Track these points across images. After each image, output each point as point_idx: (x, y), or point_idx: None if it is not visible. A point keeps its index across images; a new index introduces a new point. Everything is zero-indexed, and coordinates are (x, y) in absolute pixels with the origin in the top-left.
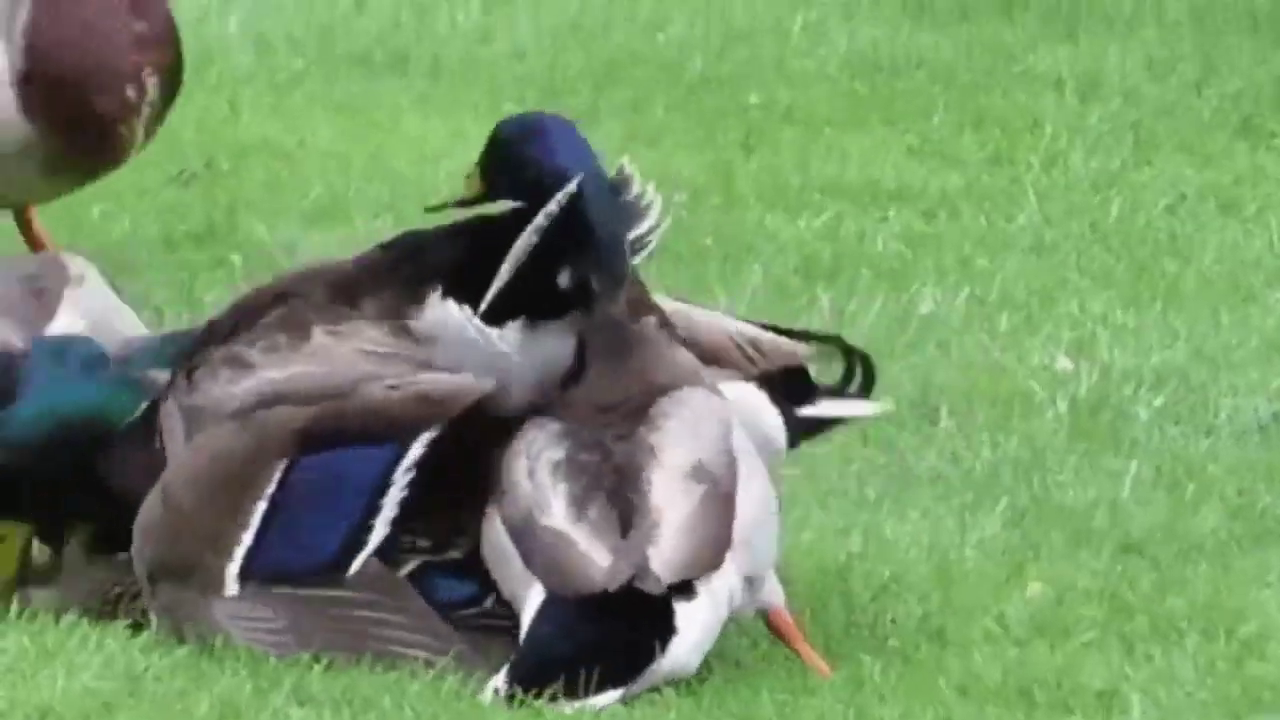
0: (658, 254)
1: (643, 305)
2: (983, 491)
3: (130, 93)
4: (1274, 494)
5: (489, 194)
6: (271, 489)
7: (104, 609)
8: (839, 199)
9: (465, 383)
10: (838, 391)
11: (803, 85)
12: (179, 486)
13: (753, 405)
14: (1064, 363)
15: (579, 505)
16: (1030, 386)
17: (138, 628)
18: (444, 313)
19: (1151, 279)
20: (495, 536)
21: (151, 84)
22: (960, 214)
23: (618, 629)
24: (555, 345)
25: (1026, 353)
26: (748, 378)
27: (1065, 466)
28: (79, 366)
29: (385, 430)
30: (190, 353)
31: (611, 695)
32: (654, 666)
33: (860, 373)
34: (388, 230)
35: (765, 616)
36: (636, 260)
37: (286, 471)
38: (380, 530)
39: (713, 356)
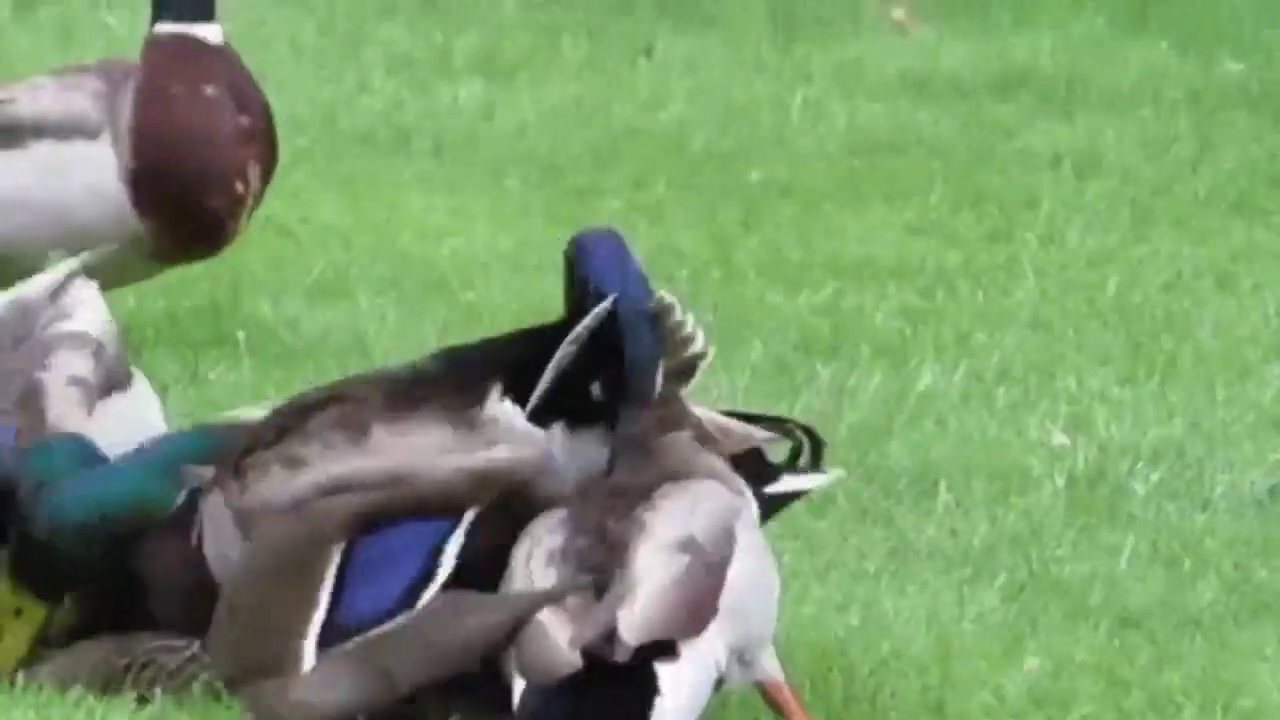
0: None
1: (675, 422)
2: (981, 566)
3: (239, 187)
4: (1270, 568)
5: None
6: (333, 570)
7: (110, 682)
8: (838, 275)
9: (519, 458)
10: (790, 468)
11: (802, 162)
12: (243, 590)
13: None
14: (1061, 438)
15: (560, 591)
16: (1028, 461)
17: (143, 701)
18: (500, 409)
19: (1148, 354)
20: None
21: (255, 175)
22: (958, 290)
23: (597, 701)
24: (592, 450)
25: (1024, 428)
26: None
27: (1063, 541)
28: (122, 457)
29: (437, 510)
30: (238, 453)
31: None
32: None
33: (809, 447)
34: (390, 307)
35: (763, 690)
36: (681, 385)
37: (347, 552)
38: (438, 583)
39: None
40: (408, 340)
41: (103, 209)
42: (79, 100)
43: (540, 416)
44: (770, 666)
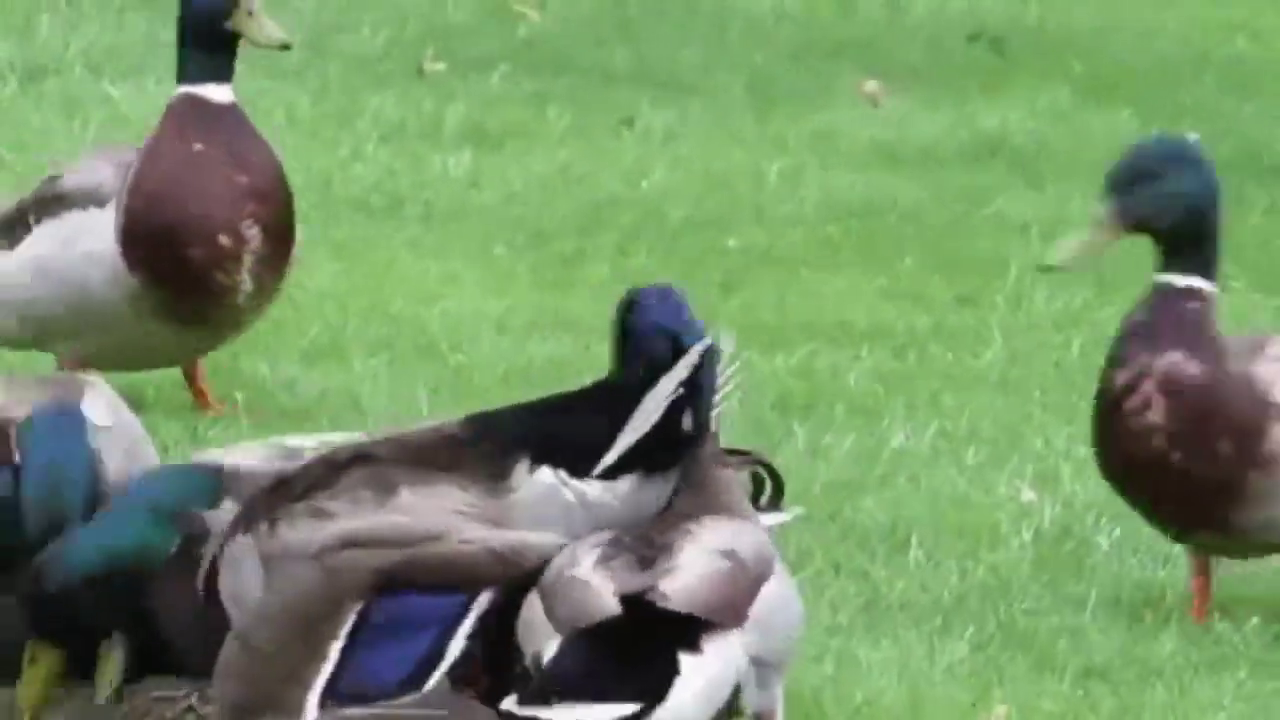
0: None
1: (718, 458)
2: (951, 618)
3: (224, 240)
4: (1227, 620)
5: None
6: (348, 628)
7: None
8: (814, 337)
9: (535, 541)
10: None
11: (779, 229)
12: (258, 628)
13: None
14: (1028, 495)
15: (606, 560)
16: (996, 517)
17: None
18: (533, 483)
19: None
20: (527, 608)
21: (252, 234)
22: (929, 352)
23: (623, 656)
24: (661, 490)
25: (993, 485)
26: None
27: (1029, 594)
28: (122, 502)
29: (457, 580)
30: (265, 500)
31: (615, 710)
32: (659, 704)
33: (770, 484)
34: (383, 368)
35: None
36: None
37: (363, 611)
38: (447, 663)
39: None
40: (400, 400)
41: (102, 271)
42: (102, 170)
43: (610, 469)
44: (777, 699)
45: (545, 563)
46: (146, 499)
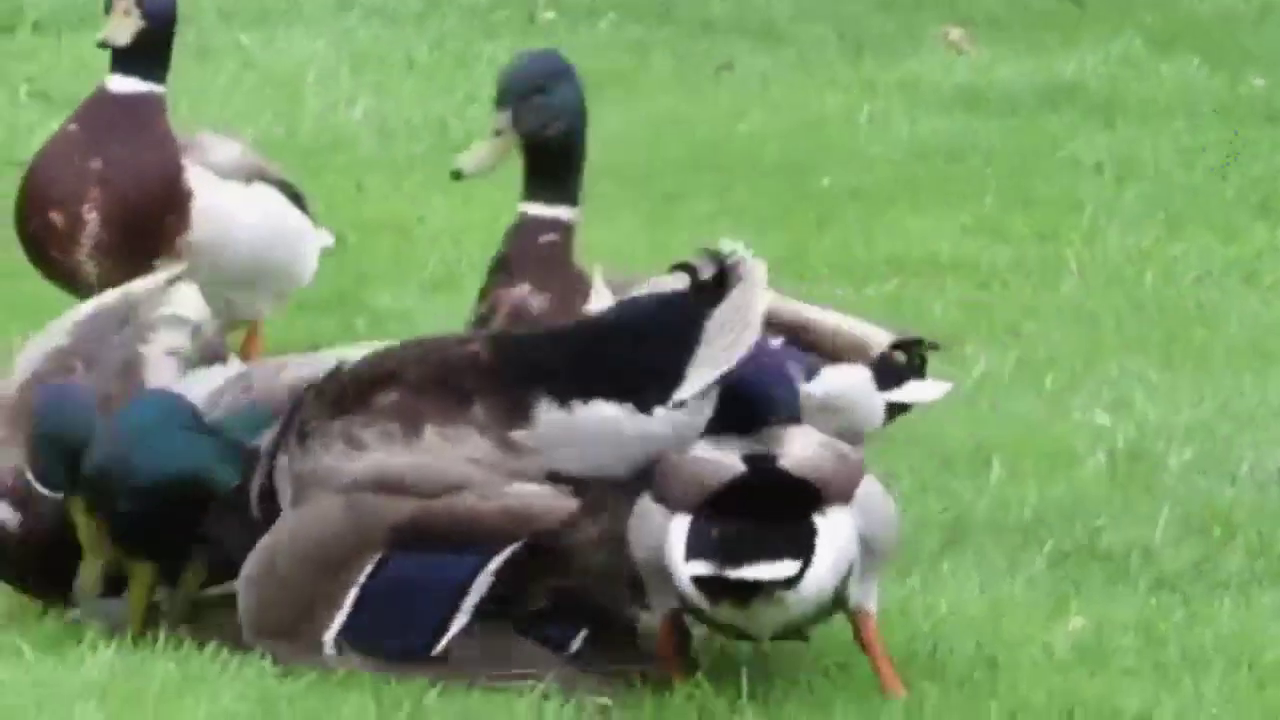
0: None
1: None
2: (1030, 534)
3: (55, 218)
4: None
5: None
6: (364, 578)
7: None
8: (901, 271)
9: (549, 501)
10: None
11: (869, 169)
12: (282, 554)
13: (865, 387)
14: (1103, 418)
15: (717, 444)
16: (1073, 440)
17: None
18: (551, 420)
19: (1182, 344)
20: (640, 503)
21: (90, 219)
22: (1010, 285)
23: (759, 518)
24: (707, 412)
25: (1069, 409)
26: (862, 363)
27: (1104, 512)
28: (188, 427)
29: (471, 537)
30: (298, 414)
31: (790, 566)
32: (811, 563)
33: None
34: None
35: (857, 623)
36: None
37: (379, 564)
38: (461, 622)
39: (828, 344)
40: None
41: None
42: None
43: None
44: (874, 595)
45: (560, 523)
46: (223, 428)
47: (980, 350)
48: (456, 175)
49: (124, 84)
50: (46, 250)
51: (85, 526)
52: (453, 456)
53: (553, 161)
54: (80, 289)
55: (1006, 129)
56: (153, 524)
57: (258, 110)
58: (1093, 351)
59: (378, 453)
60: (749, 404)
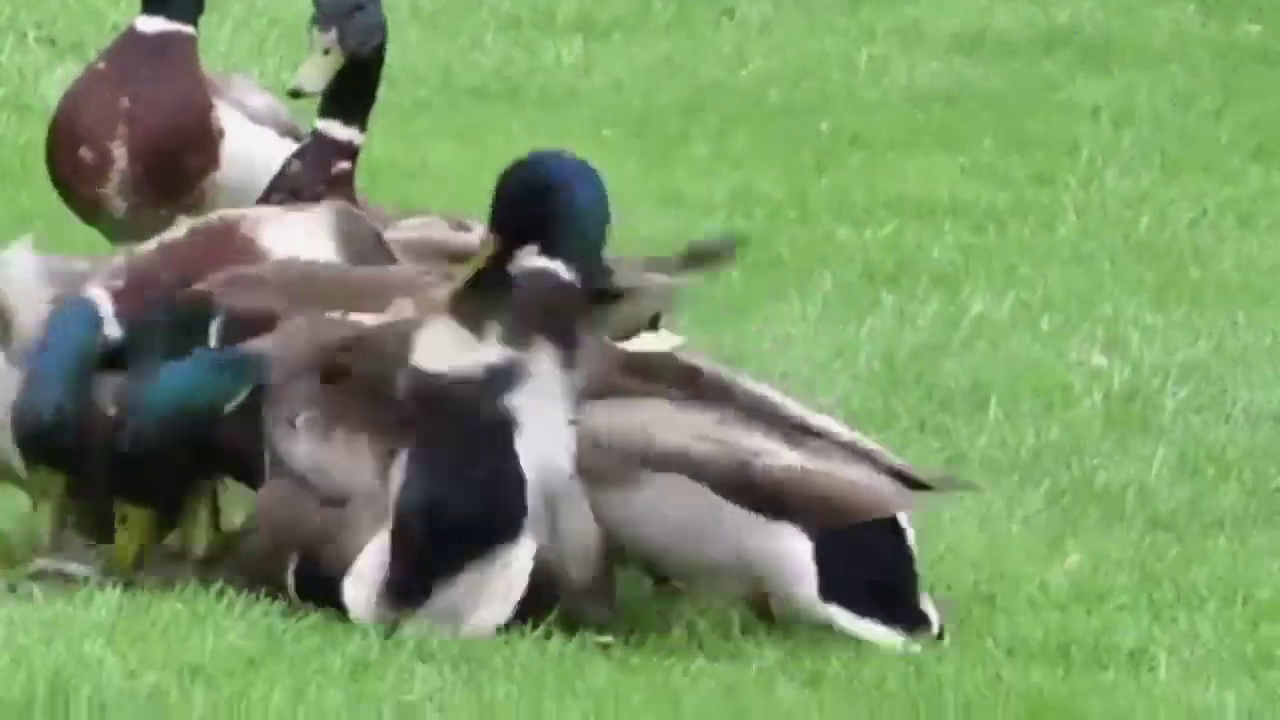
0: (739, 263)
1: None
2: (1027, 473)
3: (84, 154)
4: None
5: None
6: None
7: None
8: (900, 213)
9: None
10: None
11: (868, 113)
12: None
13: None
14: (1099, 359)
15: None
16: (1069, 380)
17: (284, 591)
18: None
19: (1177, 284)
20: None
21: (119, 154)
22: (1007, 227)
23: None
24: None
25: (1066, 350)
26: None
27: (1100, 451)
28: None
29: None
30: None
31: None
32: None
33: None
34: None
35: None
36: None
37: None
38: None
39: None
40: None
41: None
42: None
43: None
44: None
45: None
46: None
47: (978, 292)
48: (296, 94)
49: (153, 23)
50: (76, 186)
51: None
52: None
53: (362, 80)
54: (108, 224)
55: (1004, 74)
56: (157, 457)
57: (264, 56)
58: (1089, 292)
59: (316, 449)
60: None
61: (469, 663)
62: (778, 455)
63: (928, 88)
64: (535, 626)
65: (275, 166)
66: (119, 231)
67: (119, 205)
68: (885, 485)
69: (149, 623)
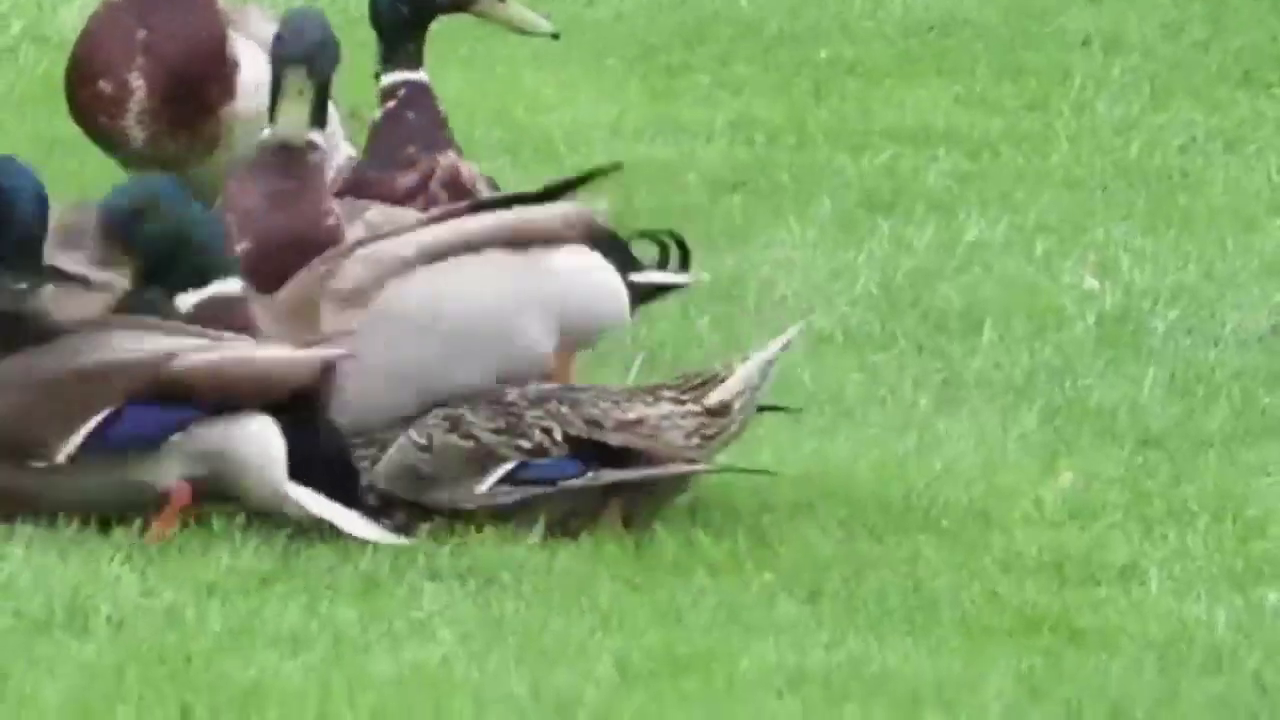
0: (741, 189)
1: None
2: (1021, 394)
3: (104, 85)
4: (1274, 396)
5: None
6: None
7: None
8: (896, 141)
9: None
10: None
11: (865, 43)
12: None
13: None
14: (1091, 282)
15: None
16: (1062, 303)
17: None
18: None
19: (1167, 209)
20: None
21: (137, 84)
22: (1001, 154)
23: None
24: None
25: (1059, 273)
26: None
27: (1092, 372)
28: None
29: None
30: None
31: None
32: None
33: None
34: (507, 169)
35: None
36: None
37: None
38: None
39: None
40: None
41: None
42: None
43: None
44: None
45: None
46: None
47: (973, 217)
48: (286, 144)
49: None
50: (95, 117)
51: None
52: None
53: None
54: (128, 155)
55: (997, 4)
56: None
57: None
58: (1081, 217)
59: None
60: None
61: (477, 579)
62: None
63: (923, 17)
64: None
65: None
66: (137, 162)
67: (138, 135)
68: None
69: (167, 543)
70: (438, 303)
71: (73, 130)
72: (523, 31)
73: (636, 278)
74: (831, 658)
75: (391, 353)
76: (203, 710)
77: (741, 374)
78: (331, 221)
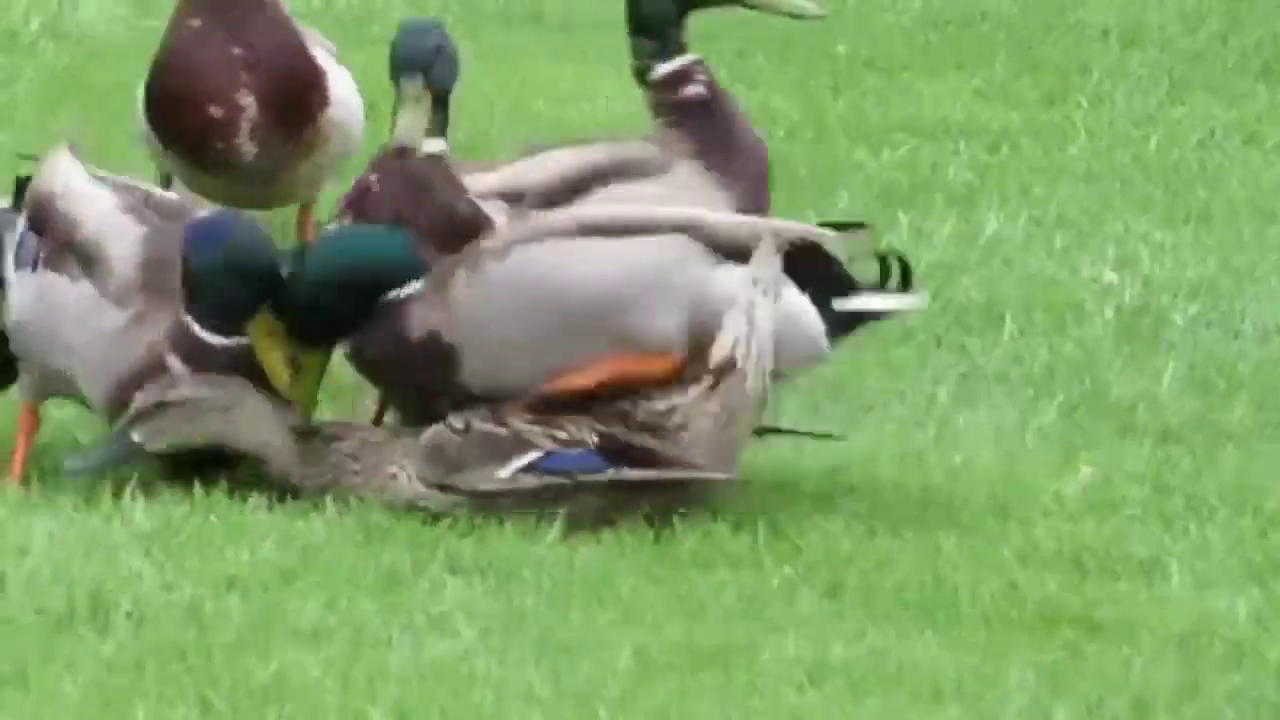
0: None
1: None
2: (1041, 388)
3: (213, 110)
4: None
5: None
6: None
7: None
8: (915, 134)
9: None
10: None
11: (884, 36)
12: None
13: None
14: (1110, 276)
15: None
16: (1081, 296)
17: (316, 506)
18: None
19: (1185, 203)
20: None
21: (248, 103)
22: (1020, 147)
23: None
24: None
25: (1078, 266)
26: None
27: (1112, 366)
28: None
29: None
30: None
31: None
32: None
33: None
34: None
35: None
36: None
37: None
38: None
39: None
40: None
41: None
42: None
43: None
44: None
45: None
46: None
47: (992, 210)
48: (401, 153)
49: None
50: (208, 142)
51: (267, 349)
52: None
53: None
54: (232, 174)
55: None
56: (331, 310)
57: None
58: (1100, 211)
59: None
60: None
61: (497, 573)
62: None
63: (941, 10)
64: (555, 525)
65: (356, 96)
66: (242, 179)
67: (249, 151)
68: None
69: (185, 536)
70: (550, 274)
71: (98, 126)
72: (794, 16)
73: (849, 304)
74: (851, 651)
75: (503, 321)
76: (223, 705)
77: (728, 324)
78: (464, 210)
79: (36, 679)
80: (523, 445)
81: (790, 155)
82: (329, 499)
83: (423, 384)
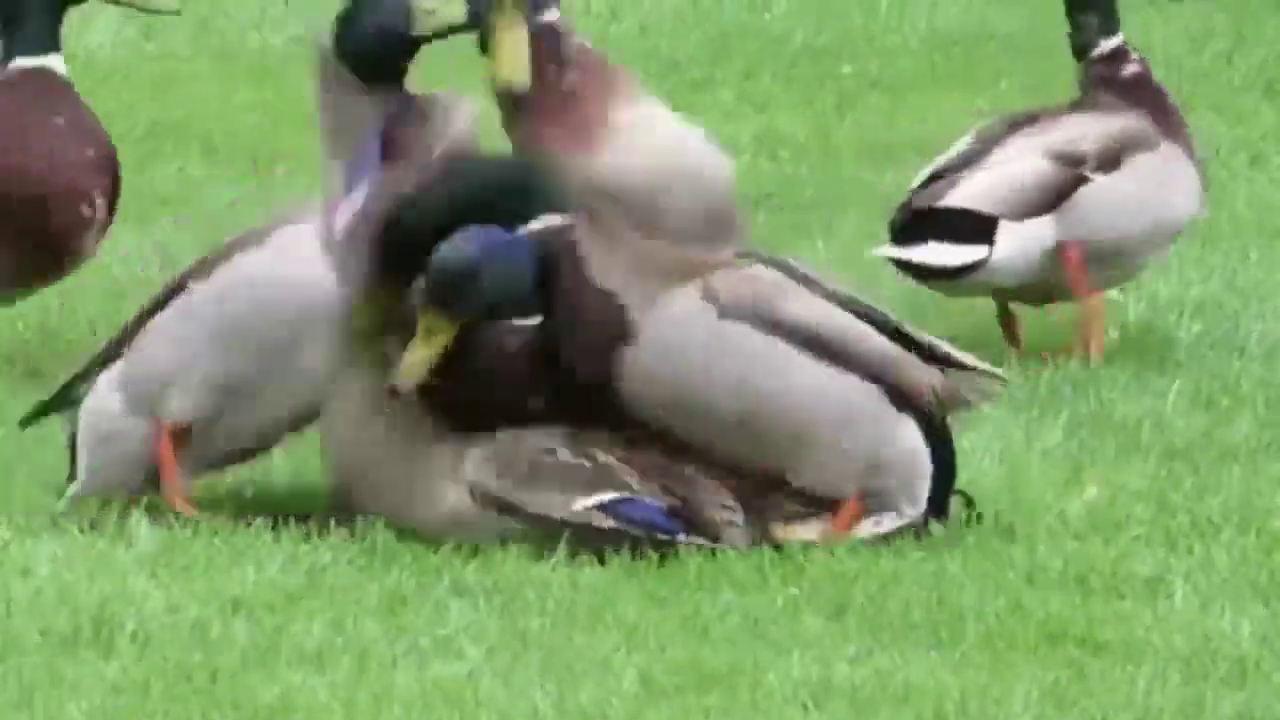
0: (764, 203)
1: None
2: (1046, 406)
3: (85, 211)
4: None
5: None
6: None
7: None
8: (921, 154)
9: None
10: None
11: (890, 56)
12: None
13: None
14: (1115, 294)
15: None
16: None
17: (321, 528)
18: None
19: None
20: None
21: (101, 204)
22: None
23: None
24: None
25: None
26: None
27: (1117, 384)
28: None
29: None
30: None
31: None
32: None
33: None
34: None
35: None
36: None
37: None
38: None
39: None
40: None
41: None
42: None
43: None
44: None
45: None
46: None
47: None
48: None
49: (60, 64)
50: (68, 247)
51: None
52: None
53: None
54: (55, 278)
55: (1020, 16)
56: (478, 285)
57: None
58: None
59: None
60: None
61: (502, 595)
62: None
63: (947, 30)
64: (562, 548)
65: None
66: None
67: (91, 254)
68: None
69: (191, 557)
70: (754, 369)
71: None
72: (146, 10)
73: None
74: (857, 672)
75: (680, 379)
76: None
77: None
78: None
79: (41, 701)
80: (609, 481)
81: (796, 176)
82: (332, 521)
83: (564, 400)
